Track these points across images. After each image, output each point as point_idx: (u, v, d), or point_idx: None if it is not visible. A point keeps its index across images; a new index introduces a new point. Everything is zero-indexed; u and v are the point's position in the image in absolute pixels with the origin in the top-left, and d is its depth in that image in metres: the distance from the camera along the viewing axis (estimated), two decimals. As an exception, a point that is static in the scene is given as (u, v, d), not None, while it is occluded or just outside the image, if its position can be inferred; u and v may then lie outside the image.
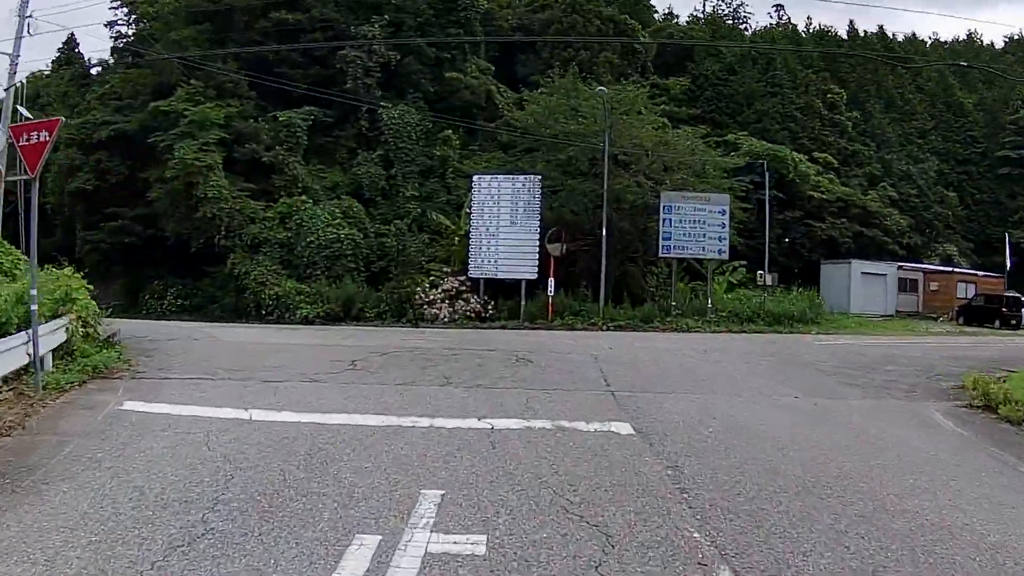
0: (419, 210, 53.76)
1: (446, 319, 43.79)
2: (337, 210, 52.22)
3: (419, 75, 58.47)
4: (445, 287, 45.29)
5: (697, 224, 44.63)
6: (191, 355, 21.52)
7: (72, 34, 74.95)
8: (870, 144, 74.30)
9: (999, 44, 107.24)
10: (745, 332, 41.08)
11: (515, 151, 51.20)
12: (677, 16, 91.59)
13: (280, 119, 55.05)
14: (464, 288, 45.34)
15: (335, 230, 50.62)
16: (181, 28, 58.90)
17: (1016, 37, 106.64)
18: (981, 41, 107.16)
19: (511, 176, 46.37)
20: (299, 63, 56.91)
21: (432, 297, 44.87)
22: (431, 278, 46.36)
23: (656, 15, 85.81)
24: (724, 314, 44.55)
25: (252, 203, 51.96)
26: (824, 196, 62.99)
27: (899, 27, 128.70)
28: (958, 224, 75.54)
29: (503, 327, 41.97)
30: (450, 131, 57.03)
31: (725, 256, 46.63)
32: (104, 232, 56.64)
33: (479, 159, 54.03)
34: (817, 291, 53.90)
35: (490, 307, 44.63)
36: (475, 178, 46.97)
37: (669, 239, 44.69)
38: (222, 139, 52.47)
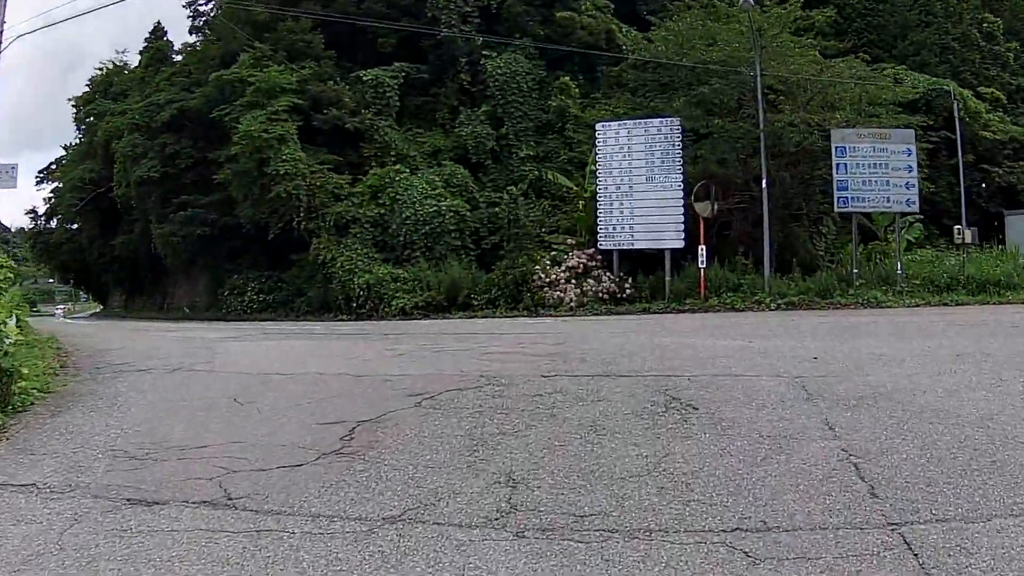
0: (536, 172, 44.21)
1: (572, 303, 34.38)
2: (437, 178, 42.99)
3: (525, 18, 48.50)
4: (570, 264, 35.75)
5: (878, 168, 34.10)
6: (99, 417, 12.20)
7: (159, 22, 67.97)
8: (1034, 78, 62.93)
9: None
10: (947, 305, 31.26)
11: (646, 92, 41.08)
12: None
13: (365, 79, 46.08)
14: (594, 264, 35.78)
15: (435, 202, 41.33)
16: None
17: None
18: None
19: (643, 120, 36.47)
20: (384, 14, 47.23)
21: (554, 277, 35.32)
22: (552, 253, 36.92)
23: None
24: (917, 282, 34.17)
25: (336, 177, 43.30)
26: (996, 137, 52.39)
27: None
28: None
29: (645, 310, 33.09)
30: (567, 78, 47.32)
31: (915, 207, 35.82)
32: (174, 223, 48.51)
33: (603, 107, 43.65)
34: (1001, 246, 43.30)
35: (627, 286, 34.91)
36: (599, 126, 37.13)
37: (845, 189, 34.14)
38: (296, 106, 44.01)
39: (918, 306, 31.04)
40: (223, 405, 12.99)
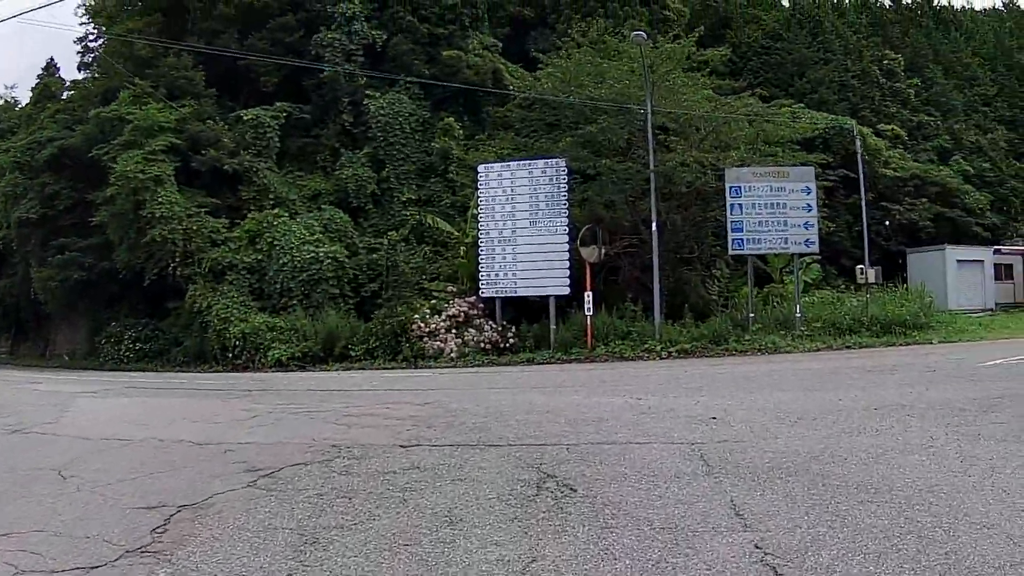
0: (417, 217, 41.73)
1: (453, 354, 32.11)
2: (316, 223, 40.39)
3: (410, 56, 46.10)
4: (451, 312, 33.51)
5: (776, 209, 32.45)
6: None
7: (52, 58, 64.98)
8: (935, 114, 61.95)
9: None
10: (850, 348, 29.64)
11: (531, 132, 39.11)
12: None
13: (245, 119, 43.41)
14: (475, 312, 33.66)
15: (313, 248, 38.64)
16: (128, 20, 47.41)
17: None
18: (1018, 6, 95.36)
19: (528, 161, 34.39)
20: (267, 51, 44.70)
21: (434, 326, 32.99)
22: (433, 302, 34.57)
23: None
24: (817, 325, 32.28)
25: (212, 221, 40.51)
26: (897, 174, 51.11)
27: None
28: (1034, 199, 62.64)
29: (529, 361, 30.91)
30: (451, 118, 44.90)
31: (814, 248, 34.06)
32: (52, 267, 45.41)
33: (487, 148, 41.63)
34: (905, 285, 41.55)
35: (511, 335, 32.73)
36: (481, 168, 35.05)
37: (740, 230, 32.47)
38: (174, 146, 41.12)
39: (819, 350, 29.60)
40: (47, 478, 11.08)
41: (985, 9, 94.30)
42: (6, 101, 69.41)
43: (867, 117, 54.73)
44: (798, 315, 32.29)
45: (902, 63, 61.60)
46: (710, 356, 29.30)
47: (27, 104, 64.37)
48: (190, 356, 40.00)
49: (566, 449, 11.07)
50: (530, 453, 10.90)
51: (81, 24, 58.50)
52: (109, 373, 38.87)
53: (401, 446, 12.07)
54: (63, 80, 61.85)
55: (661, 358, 29.35)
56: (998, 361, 22.27)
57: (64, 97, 58.16)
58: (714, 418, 13.37)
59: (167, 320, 42.77)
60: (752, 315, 32.43)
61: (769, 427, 12.31)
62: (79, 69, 61.53)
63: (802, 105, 49.03)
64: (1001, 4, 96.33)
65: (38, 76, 63.47)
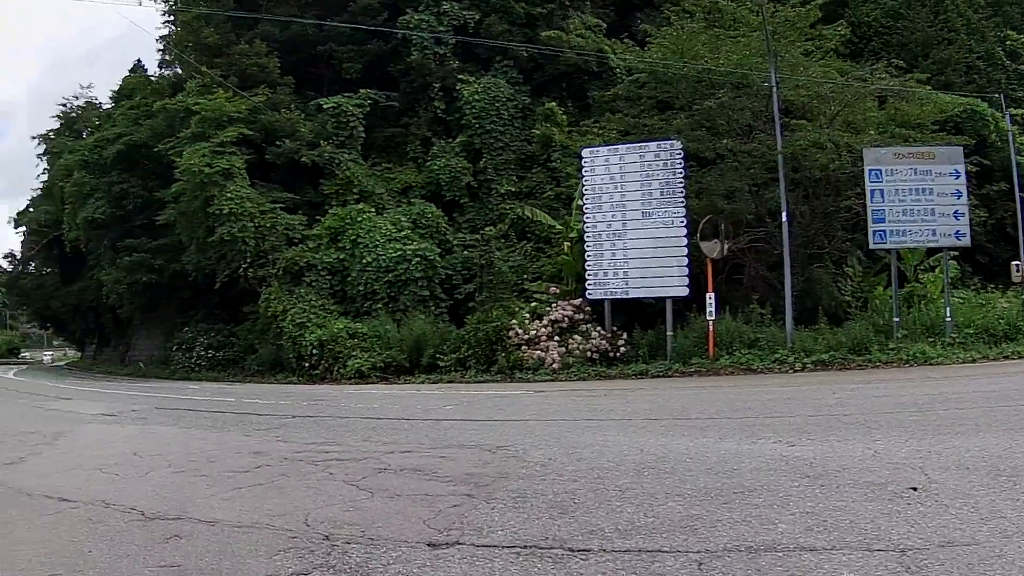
0: (518, 211, 37.42)
1: (556, 364, 27.50)
2: (404, 219, 36.68)
3: (507, 38, 41.82)
4: (553, 317, 28.93)
5: (921, 195, 27.18)
6: None
7: (139, 60, 62.38)
8: (1062, 99, 56.22)
9: None
10: (1008, 358, 24.13)
11: (640, 112, 34.00)
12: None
13: (326, 107, 39.81)
14: (581, 316, 29.04)
15: (400, 246, 34.84)
16: (199, 6, 44.33)
17: None
18: None
19: (638, 144, 29.45)
20: (350, 37, 41.39)
21: (534, 333, 28.44)
22: (533, 304, 30.12)
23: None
24: (969, 331, 26.70)
25: (287, 217, 37.00)
26: (1032, 162, 45.83)
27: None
28: None
29: (642, 374, 26.07)
30: (553, 103, 40.72)
31: (966, 241, 28.42)
32: (120, 270, 42.31)
33: (593, 134, 36.98)
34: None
35: (621, 343, 28.03)
36: (586, 152, 30.29)
37: (882, 220, 27.23)
38: (246, 138, 37.61)
39: (975, 361, 24.09)
40: None
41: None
42: (88, 102, 66.51)
43: (995, 101, 49.83)
44: (948, 319, 26.99)
45: (1024, 44, 56.67)
46: (852, 369, 24.45)
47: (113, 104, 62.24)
48: (265, 365, 36.60)
49: (697, 566, 6.02)
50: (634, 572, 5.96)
51: (165, 22, 55.28)
52: (169, 382, 36.45)
53: (429, 544, 6.96)
54: (148, 79, 59.12)
55: (795, 371, 24.62)
56: None
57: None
58: (914, 488, 7.80)
59: (243, 326, 39.38)
60: (897, 319, 27.18)
61: (1001, 510, 6.89)
62: (159, 67, 58.81)
63: (928, 87, 44.41)
64: None
65: (124, 79, 61.12)
